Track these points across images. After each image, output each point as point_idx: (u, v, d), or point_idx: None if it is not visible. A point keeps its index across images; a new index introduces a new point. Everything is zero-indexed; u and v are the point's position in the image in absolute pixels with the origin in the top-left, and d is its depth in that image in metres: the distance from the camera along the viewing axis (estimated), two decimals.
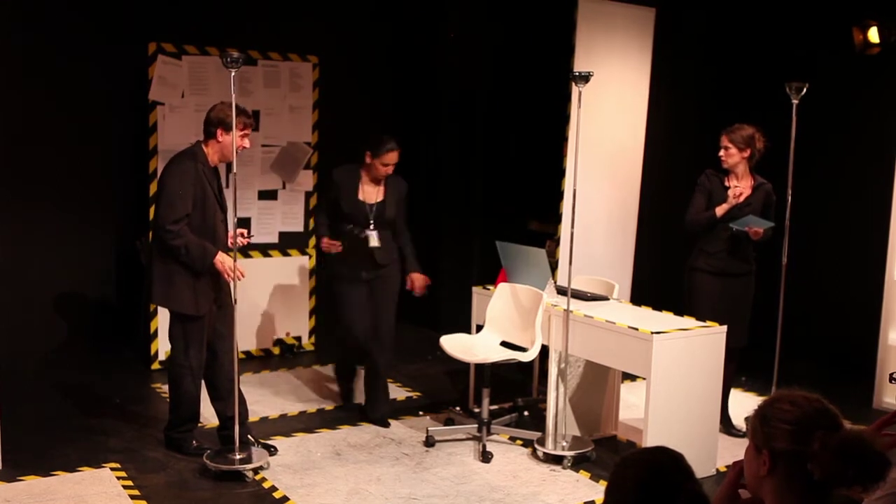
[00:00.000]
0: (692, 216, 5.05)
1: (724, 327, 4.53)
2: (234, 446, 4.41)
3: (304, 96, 6.56)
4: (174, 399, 4.63)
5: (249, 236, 4.64)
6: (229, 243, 4.52)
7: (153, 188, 5.93)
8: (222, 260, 4.39)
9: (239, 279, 4.38)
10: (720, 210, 4.94)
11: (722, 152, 4.97)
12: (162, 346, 6.04)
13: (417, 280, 5.14)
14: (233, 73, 4.16)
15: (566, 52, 5.93)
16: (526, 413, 5.42)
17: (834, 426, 1.91)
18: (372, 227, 5.00)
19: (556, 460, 4.66)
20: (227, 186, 4.90)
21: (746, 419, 4.88)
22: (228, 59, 4.12)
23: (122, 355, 6.36)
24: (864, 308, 6.01)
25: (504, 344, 5.01)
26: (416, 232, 7.82)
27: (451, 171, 7.66)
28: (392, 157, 4.95)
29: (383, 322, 5.10)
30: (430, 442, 4.84)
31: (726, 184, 5.00)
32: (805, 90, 4.95)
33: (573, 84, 4.71)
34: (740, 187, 4.95)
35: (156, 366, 6.11)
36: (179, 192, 4.35)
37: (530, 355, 4.79)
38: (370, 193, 5.04)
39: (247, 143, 4.46)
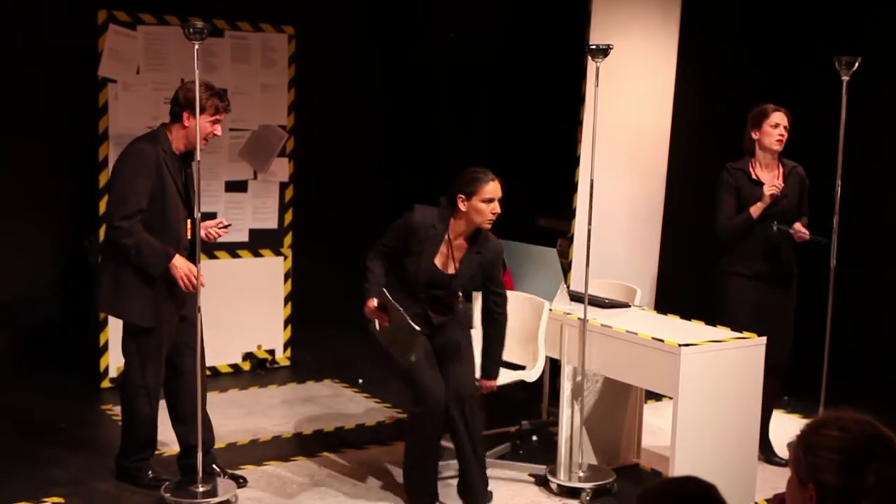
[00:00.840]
0: (724, 221, 5.01)
1: (764, 339, 4.52)
2: (197, 477, 4.38)
3: (278, 73, 6.54)
4: (127, 423, 4.60)
5: (227, 225, 4.59)
6: (203, 235, 4.48)
7: (104, 179, 5.91)
8: (179, 265, 4.33)
9: (198, 288, 4.33)
10: (755, 210, 4.92)
11: (782, 132, 4.95)
12: (113, 362, 6.02)
13: (486, 388, 4.52)
14: (196, 47, 4.14)
15: (581, 23, 5.93)
16: (534, 438, 5.40)
17: (891, 455, 1.89)
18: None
19: (573, 493, 4.64)
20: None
21: (789, 446, 4.87)
22: (191, 30, 4.10)
23: (67, 373, 6.32)
24: None
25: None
26: None
27: (449, 159, 7.63)
28: (493, 188, 4.28)
29: (460, 374, 4.39)
30: None
31: (753, 176, 4.99)
32: (857, 65, 4.94)
33: (589, 59, 4.69)
34: (776, 184, 4.93)
35: (106, 384, 6.09)
36: (133, 184, 4.31)
37: (534, 374, 4.77)
38: (447, 258, 4.39)
39: (219, 130, 4.44)
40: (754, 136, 5.00)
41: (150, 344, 4.44)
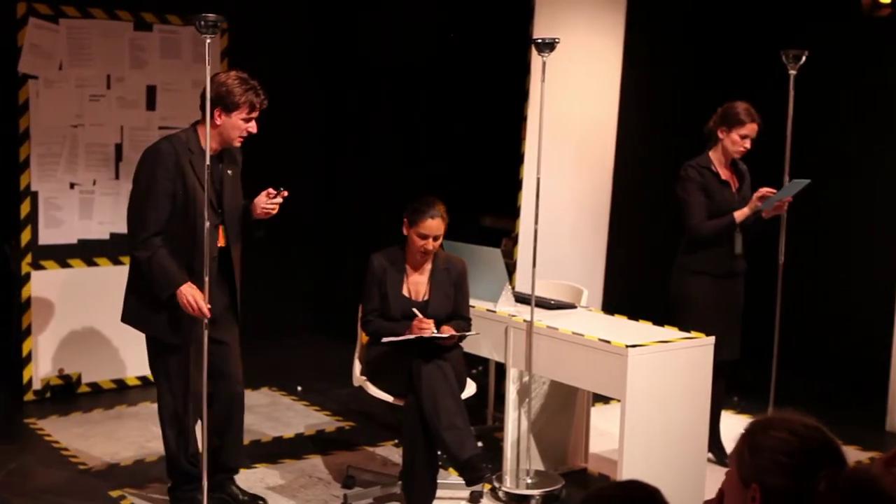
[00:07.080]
0: (701, 225, 4.95)
1: (713, 338, 4.57)
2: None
3: (210, 68, 6.48)
4: (166, 452, 4.42)
5: (279, 191, 4.34)
6: (258, 213, 4.34)
7: (25, 180, 5.85)
8: (185, 291, 4.09)
9: (205, 314, 4.11)
10: (740, 215, 4.92)
11: (748, 145, 4.96)
12: (37, 374, 5.95)
13: (447, 330, 4.55)
14: (208, 42, 4.00)
15: (524, 17, 5.96)
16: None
17: (838, 462, 1.93)
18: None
19: (521, 501, 4.67)
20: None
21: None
22: (203, 24, 3.95)
23: None
24: (874, 315, 6.13)
25: None
26: (348, 233, 7.86)
27: (389, 157, 7.64)
28: (430, 225, 4.51)
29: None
30: (348, 484, 4.81)
31: (723, 177, 5.00)
32: (804, 59, 5.04)
33: (535, 53, 4.72)
34: (767, 191, 4.90)
35: (29, 396, 6.00)
36: (148, 200, 4.17)
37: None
38: (418, 285, 4.65)
39: (253, 127, 4.31)
40: (720, 134, 5.00)
41: (176, 363, 4.27)
